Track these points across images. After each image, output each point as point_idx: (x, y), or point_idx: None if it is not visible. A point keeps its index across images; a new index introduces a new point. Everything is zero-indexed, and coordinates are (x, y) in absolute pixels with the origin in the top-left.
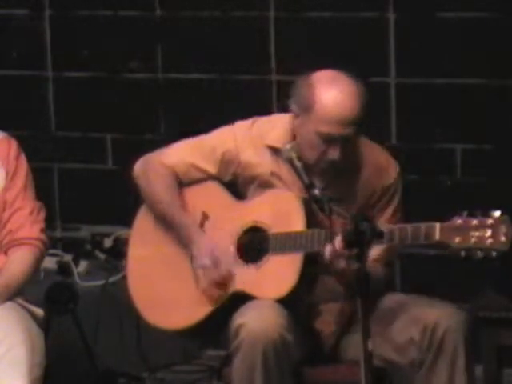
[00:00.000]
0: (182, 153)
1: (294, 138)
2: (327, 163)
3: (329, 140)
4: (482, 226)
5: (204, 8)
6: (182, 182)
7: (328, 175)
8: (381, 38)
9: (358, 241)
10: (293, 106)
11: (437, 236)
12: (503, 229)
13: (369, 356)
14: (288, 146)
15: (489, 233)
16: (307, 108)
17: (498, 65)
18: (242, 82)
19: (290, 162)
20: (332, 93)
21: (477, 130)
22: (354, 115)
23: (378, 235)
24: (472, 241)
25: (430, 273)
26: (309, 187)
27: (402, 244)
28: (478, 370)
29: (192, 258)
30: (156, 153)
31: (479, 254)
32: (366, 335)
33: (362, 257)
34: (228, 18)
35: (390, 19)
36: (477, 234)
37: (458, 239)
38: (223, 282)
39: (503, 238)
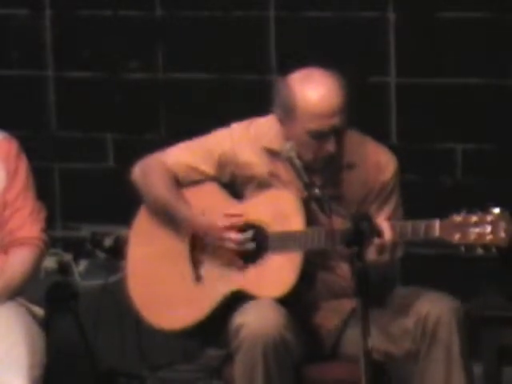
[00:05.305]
0: (180, 155)
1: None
2: (325, 159)
3: (320, 136)
4: (481, 223)
5: (204, 8)
6: (181, 184)
7: (328, 172)
8: (381, 38)
9: (357, 240)
10: (277, 113)
11: (436, 233)
12: (503, 225)
13: (368, 354)
14: (288, 146)
15: (488, 229)
16: (291, 111)
17: (497, 65)
18: (242, 82)
19: (290, 161)
20: (310, 89)
21: (477, 130)
22: (336, 104)
23: (378, 234)
24: (472, 237)
25: (430, 273)
26: (309, 187)
27: (402, 240)
28: (478, 369)
29: (206, 237)
30: (154, 155)
31: (479, 250)
32: (366, 334)
33: (362, 256)
34: (228, 17)
35: (390, 19)
36: (477, 230)
37: (457, 236)
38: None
39: (503, 235)
